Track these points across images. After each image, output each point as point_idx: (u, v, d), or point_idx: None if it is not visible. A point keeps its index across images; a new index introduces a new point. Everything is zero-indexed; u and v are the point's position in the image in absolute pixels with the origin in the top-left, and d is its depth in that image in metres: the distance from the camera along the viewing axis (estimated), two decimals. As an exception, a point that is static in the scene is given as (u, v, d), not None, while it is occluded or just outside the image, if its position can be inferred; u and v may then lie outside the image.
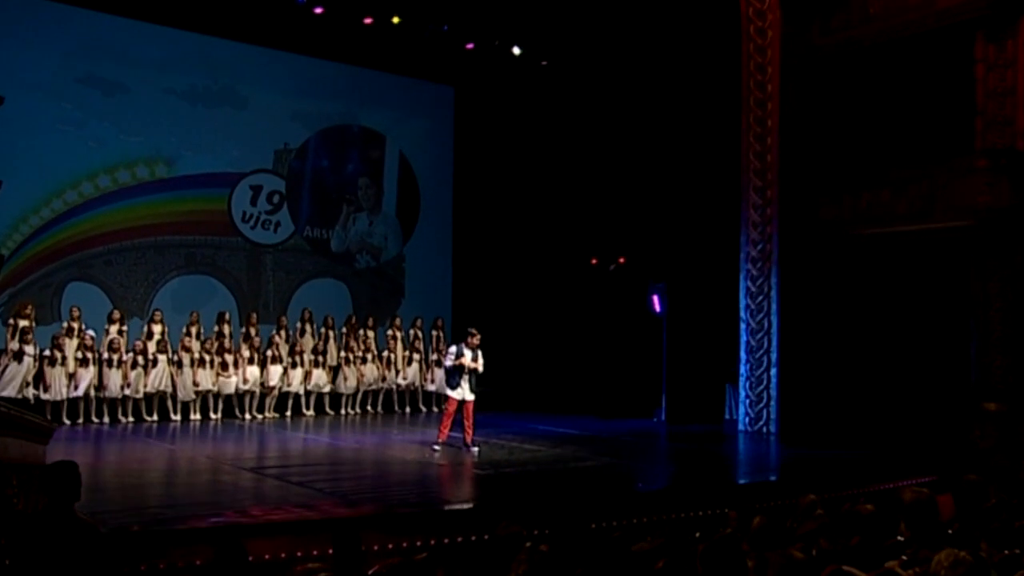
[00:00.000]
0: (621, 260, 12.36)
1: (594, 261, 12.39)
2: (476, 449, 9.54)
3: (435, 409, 14.11)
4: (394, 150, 16.23)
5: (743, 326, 12.18)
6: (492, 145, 16.14)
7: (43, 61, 13.06)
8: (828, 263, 11.65)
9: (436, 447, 9.50)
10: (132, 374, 12.04)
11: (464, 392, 9.48)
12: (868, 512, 4.15)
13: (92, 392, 11.85)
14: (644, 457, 9.95)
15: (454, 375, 9.55)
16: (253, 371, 12.86)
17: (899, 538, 4.02)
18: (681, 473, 8.87)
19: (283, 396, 13.29)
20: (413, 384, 14.17)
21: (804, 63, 11.79)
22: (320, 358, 13.47)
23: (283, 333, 13.55)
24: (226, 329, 13.24)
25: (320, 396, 13.59)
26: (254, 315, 13.74)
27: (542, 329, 15.37)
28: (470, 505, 7.13)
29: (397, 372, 14.11)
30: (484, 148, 16.23)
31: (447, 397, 9.69)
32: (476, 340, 9.62)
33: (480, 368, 9.59)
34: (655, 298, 13.30)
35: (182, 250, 14.26)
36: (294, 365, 13.22)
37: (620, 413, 13.51)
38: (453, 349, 9.68)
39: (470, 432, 9.59)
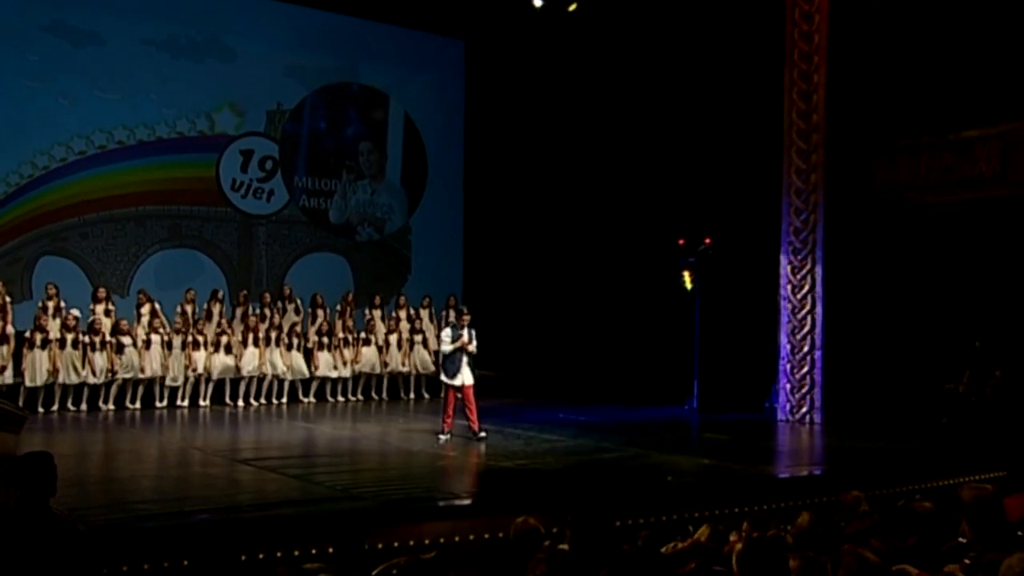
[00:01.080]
0: (707, 240, 12.30)
1: (681, 242, 12.35)
2: (483, 434, 9.62)
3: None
4: (398, 111, 16.16)
5: (783, 304, 12.08)
6: (507, 105, 16.01)
7: (1, 5, 12.93)
8: (881, 234, 11.51)
9: (442, 436, 9.56)
10: (120, 357, 12.11)
11: (464, 377, 9.61)
12: (926, 510, 4.10)
13: (76, 377, 11.92)
14: (674, 448, 9.95)
15: (454, 360, 9.62)
16: (251, 354, 12.91)
17: (960, 540, 3.97)
18: (715, 466, 8.84)
19: (280, 381, 13.35)
20: (421, 369, 14.20)
21: (856, 10, 11.58)
22: (325, 339, 13.50)
23: (267, 312, 13.55)
24: (216, 308, 13.28)
25: (321, 382, 13.65)
26: (244, 293, 13.77)
27: (562, 309, 15.34)
28: (482, 500, 7.14)
29: (410, 355, 14.15)
30: (499, 109, 16.10)
31: (445, 385, 9.79)
32: (468, 319, 9.76)
33: (473, 349, 9.70)
34: (686, 274, 13.24)
35: (165, 221, 14.29)
36: (296, 348, 13.26)
37: (648, 400, 13.51)
38: (447, 332, 9.76)
39: (475, 419, 9.67)
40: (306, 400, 13.50)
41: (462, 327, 9.70)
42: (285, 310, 13.86)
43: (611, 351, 14.59)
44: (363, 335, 13.92)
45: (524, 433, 10.53)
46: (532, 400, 14.02)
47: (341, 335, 13.73)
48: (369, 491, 7.05)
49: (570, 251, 15.32)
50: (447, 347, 9.64)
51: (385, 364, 14.04)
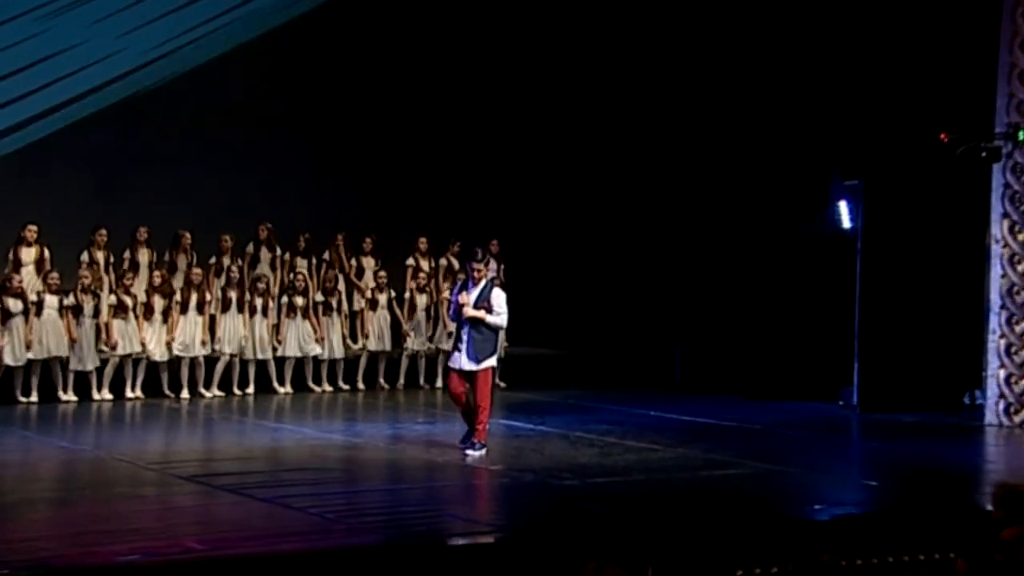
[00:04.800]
0: (943, 136, 11.90)
1: (943, 136, 11.95)
2: (478, 453, 9.40)
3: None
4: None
5: (996, 249, 11.83)
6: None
7: None
8: None
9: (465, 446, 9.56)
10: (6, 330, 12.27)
11: (460, 357, 9.51)
12: None
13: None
14: (824, 464, 9.87)
15: (456, 330, 9.63)
16: (192, 324, 13.04)
17: None
18: (887, 491, 8.78)
19: (242, 364, 13.49)
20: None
21: None
22: (298, 301, 13.56)
23: (231, 262, 13.62)
24: (143, 256, 13.34)
25: (299, 364, 13.78)
26: (187, 235, 13.79)
27: (652, 259, 15.21)
28: (539, 535, 7.12)
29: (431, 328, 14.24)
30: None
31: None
32: (482, 270, 9.59)
33: (494, 320, 9.48)
34: (843, 206, 13.00)
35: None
36: (252, 313, 13.36)
37: (783, 393, 13.39)
38: (456, 288, 9.76)
39: (480, 421, 9.49)
40: (282, 390, 13.61)
41: (475, 280, 9.57)
42: (257, 259, 13.92)
43: (726, 321, 14.44)
44: (367, 296, 14.01)
45: (599, 439, 10.52)
46: (609, 391, 13.99)
47: (323, 298, 13.81)
48: (374, 521, 7.08)
49: (664, 174, 15.12)
50: (449, 312, 9.56)
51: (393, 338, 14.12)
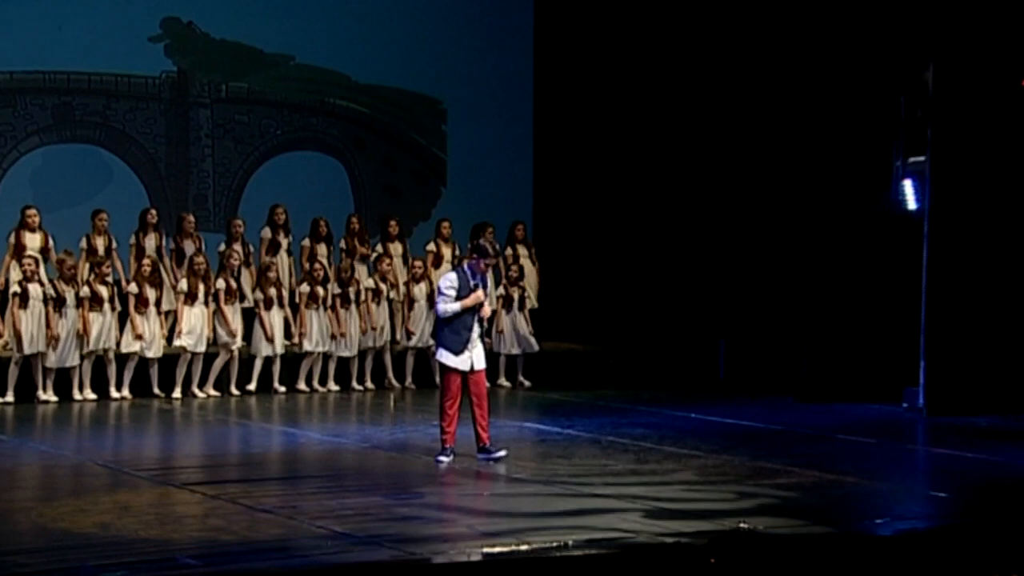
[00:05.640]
0: None
1: None
2: (502, 452, 9.62)
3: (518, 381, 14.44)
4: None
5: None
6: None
7: None
8: None
9: (442, 458, 9.60)
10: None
11: (473, 357, 9.55)
12: None
13: None
14: (886, 473, 9.82)
15: (456, 327, 9.57)
16: (193, 317, 13.11)
17: None
18: (958, 503, 8.72)
19: (246, 361, 13.59)
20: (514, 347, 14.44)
21: None
22: (320, 291, 13.63)
23: (237, 249, 13.69)
24: (150, 241, 13.47)
25: (308, 361, 13.86)
26: (190, 218, 13.86)
27: (692, 245, 15.21)
28: (570, 551, 7.04)
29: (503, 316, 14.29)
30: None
31: (445, 368, 9.73)
32: (492, 263, 9.77)
33: (487, 313, 9.84)
34: (908, 185, 12.94)
35: (48, 99, 14.46)
36: (267, 306, 13.41)
37: (840, 394, 13.37)
38: (450, 278, 9.68)
39: (485, 424, 9.63)
40: (283, 389, 13.67)
41: (481, 271, 9.63)
42: (278, 244, 14.00)
43: (776, 314, 14.40)
44: (373, 285, 14.07)
45: (634, 444, 10.55)
46: (645, 391, 14.02)
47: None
48: (387, 533, 7.08)
49: (707, 150, 15.10)
50: (445, 306, 9.50)
51: (409, 334, 14.16)
